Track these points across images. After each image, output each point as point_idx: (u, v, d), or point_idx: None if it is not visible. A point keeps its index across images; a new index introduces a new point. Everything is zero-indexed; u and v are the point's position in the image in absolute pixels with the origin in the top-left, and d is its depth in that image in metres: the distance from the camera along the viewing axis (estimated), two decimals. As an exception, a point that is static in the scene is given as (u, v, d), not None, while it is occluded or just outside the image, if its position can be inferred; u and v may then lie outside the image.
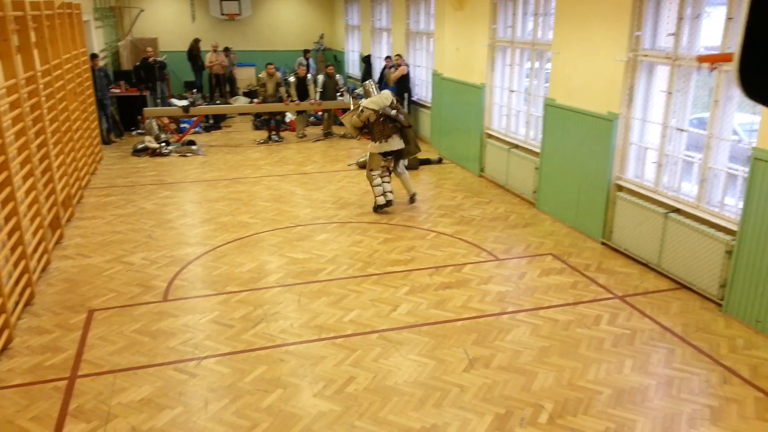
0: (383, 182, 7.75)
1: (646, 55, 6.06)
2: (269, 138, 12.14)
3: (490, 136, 9.27)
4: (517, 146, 8.56)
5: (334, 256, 6.39)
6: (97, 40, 12.69)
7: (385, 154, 7.76)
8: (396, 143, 7.72)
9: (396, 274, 5.93)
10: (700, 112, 7.64)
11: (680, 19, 5.64)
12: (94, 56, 11.14)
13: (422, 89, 12.38)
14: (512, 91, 8.74)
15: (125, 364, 4.39)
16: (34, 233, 5.75)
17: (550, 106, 7.52)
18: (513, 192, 8.57)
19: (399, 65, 11.75)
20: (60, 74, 7.62)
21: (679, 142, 5.90)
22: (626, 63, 6.19)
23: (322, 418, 3.85)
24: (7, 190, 5.00)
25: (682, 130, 5.84)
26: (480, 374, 4.32)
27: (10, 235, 5.03)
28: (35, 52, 6.41)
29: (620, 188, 6.57)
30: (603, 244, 6.72)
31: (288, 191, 8.74)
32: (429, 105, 11.63)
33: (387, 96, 7.77)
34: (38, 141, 6.27)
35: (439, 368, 4.39)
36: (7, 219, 5.02)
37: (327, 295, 5.50)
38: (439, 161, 10.36)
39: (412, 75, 12.16)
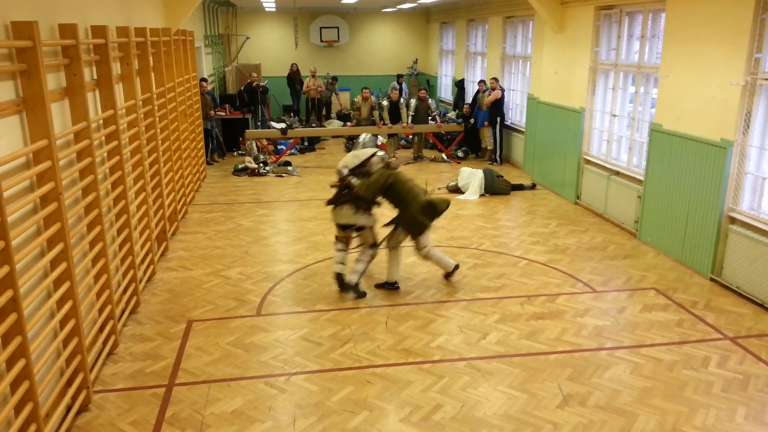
0: (337, 254, 6.12)
1: (766, 79, 5.62)
2: (361, 160, 12.32)
3: (589, 161, 8.92)
4: (618, 173, 8.18)
5: (422, 279, 6.33)
6: (207, 66, 13.50)
7: (341, 227, 6.09)
8: (345, 216, 5.97)
9: (485, 301, 5.78)
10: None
11: (808, 39, 5.20)
12: (203, 80, 11.85)
13: (516, 113, 12.19)
14: (614, 115, 8.39)
15: (219, 375, 4.53)
16: (143, 245, 6.12)
17: (656, 131, 7.13)
18: (612, 221, 8.17)
19: (494, 89, 11.64)
20: (172, 97, 8.15)
21: (804, 172, 5.40)
22: (743, 87, 5.77)
23: (408, 444, 3.77)
24: (122, 203, 5.36)
25: (808, 159, 5.34)
26: (575, 412, 4.08)
27: (121, 246, 5.37)
28: (152, 76, 6.89)
29: (733, 221, 6.08)
30: (712, 280, 6.23)
31: (378, 213, 8.78)
32: (523, 129, 11.40)
33: (360, 154, 6.27)
34: (151, 158, 6.71)
35: (530, 402, 4.19)
36: (119, 231, 5.37)
37: (414, 319, 5.44)
38: (533, 187, 10.09)
39: (506, 99, 12.00)
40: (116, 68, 5.71)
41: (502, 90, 11.74)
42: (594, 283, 6.21)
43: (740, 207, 6.05)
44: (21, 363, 3.19)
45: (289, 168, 11.55)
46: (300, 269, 6.65)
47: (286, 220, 8.51)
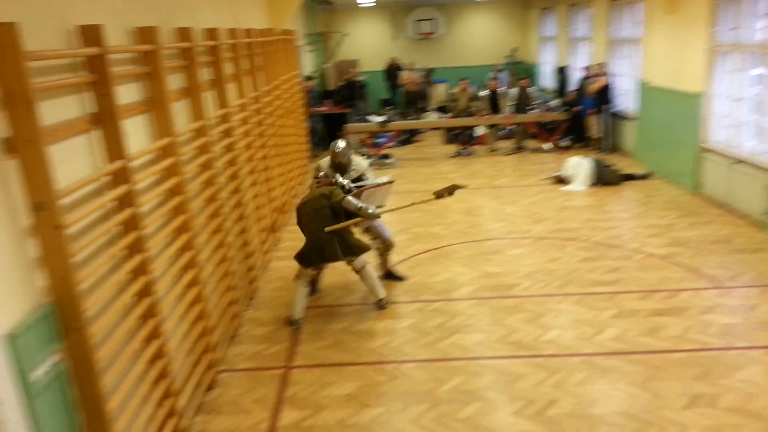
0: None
1: None
2: (459, 152, 12.23)
3: (708, 149, 8.29)
4: (741, 161, 7.54)
5: (529, 272, 6.16)
6: (308, 63, 13.90)
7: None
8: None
9: (599, 296, 5.53)
10: None
11: None
12: (308, 78, 12.22)
13: (626, 100, 11.56)
14: (737, 99, 7.74)
15: (332, 359, 4.65)
16: (258, 235, 6.40)
17: (789, 113, 6.50)
18: (737, 212, 7.55)
19: (600, 75, 11.10)
20: (278, 94, 8.44)
21: None
22: None
23: (524, 438, 3.68)
24: (238, 195, 5.63)
25: None
26: (704, 414, 3.81)
27: (239, 235, 5.64)
28: (259, 75, 7.17)
29: None
30: None
31: (479, 204, 8.68)
32: (633, 116, 10.80)
33: (359, 166, 5.91)
34: (261, 153, 6.99)
35: (653, 402, 3.96)
36: (237, 221, 5.64)
37: (523, 312, 5.30)
38: (646, 177, 9.49)
39: (613, 84, 11.40)
40: (227, 69, 5.98)
41: (609, 75, 11.16)
42: (720, 279, 5.77)
43: None
44: (157, 342, 3.43)
45: (389, 160, 11.65)
46: (404, 260, 6.69)
47: (387, 212, 8.56)
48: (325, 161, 5.91)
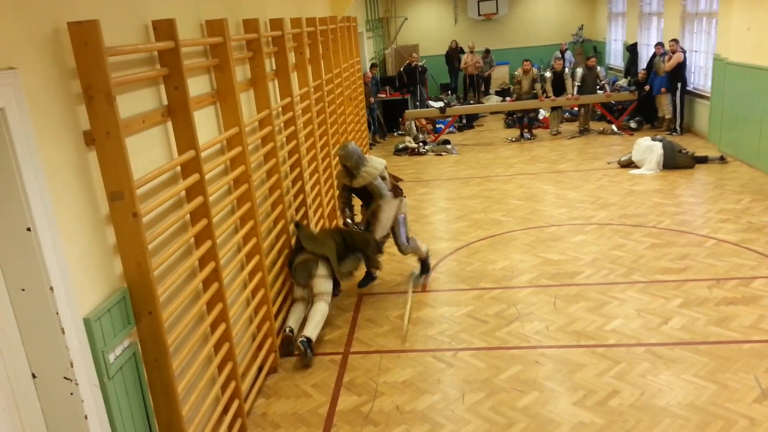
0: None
1: None
2: (521, 136, 12.00)
3: (791, 128, 7.79)
4: (829, 140, 7.05)
5: (592, 259, 6.02)
6: (368, 49, 13.96)
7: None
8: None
9: (666, 284, 5.34)
10: None
11: None
12: (373, 65, 12.29)
13: (700, 77, 10.98)
14: (824, 73, 7.22)
15: (389, 346, 4.73)
16: (317, 223, 6.54)
17: None
18: (821, 195, 7.08)
19: (674, 51, 10.57)
20: (339, 82, 8.54)
21: None
22: None
23: (583, 428, 3.64)
24: (299, 184, 5.77)
25: None
26: (777, 409, 3.65)
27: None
28: (322, 63, 7.27)
29: None
30: None
31: (541, 190, 8.52)
32: (708, 95, 10.25)
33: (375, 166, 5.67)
34: (322, 141, 7.12)
35: (721, 394, 3.82)
36: (297, 209, 5.79)
37: (585, 300, 5.20)
38: (722, 160, 9.00)
39: (687, 62, 10.86)
40: (291, 58, 6.11)
41: (684, 52, 10.62)
42: (799, 266, 5.46)
43: None
44: (222, 327, 3.60)
45: (448, 146, 11.58)
46: (462, 247, 6.67)
47: (447, 198, 8.57)
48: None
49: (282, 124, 5.50)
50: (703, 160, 8.99)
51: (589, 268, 5.83)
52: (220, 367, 3.62)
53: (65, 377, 2.41)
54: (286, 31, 5.61)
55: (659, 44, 11.33)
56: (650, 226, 6.74)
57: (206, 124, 3.90)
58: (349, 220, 5.68)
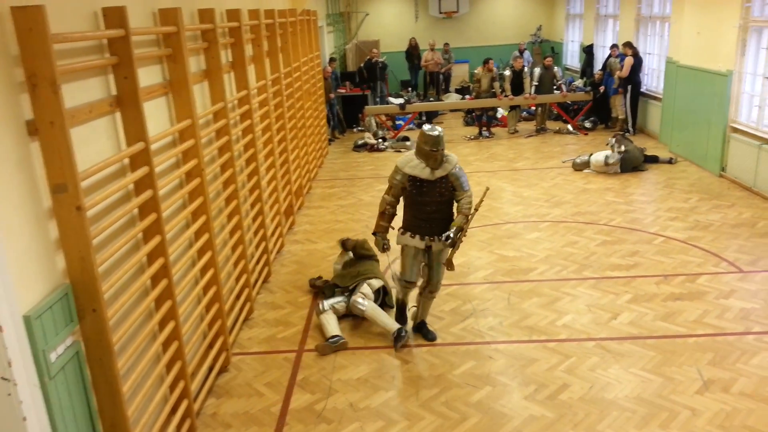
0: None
1: None
2: (480, 134, 12.12)
3: (736, 130, 8.09)
4: (770, 142, 7.35)
5: (546, 256, 6.12)
6: (328, 44, 13.85)
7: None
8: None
9: (616, 280, 5.48)
10: None
11: None
12: (332, 60, 12.18)
13: (653, 79, 11.30)
14: None
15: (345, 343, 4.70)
16: (273, 219, 6.46)
17: (819, 93, 6.30)
18: (762, 195, 7.38)
19: (629, 54, 10.81)
20: (298, 76, 8.45)
21: None
22: None
23: (534, 422, 3.70)
24: (254, 179, 5.68)
25: None
26: (717, 399, 3.79)
27: (254, 219, 5.71)
28: (280, 56, 7.17)
29: None
30: None
31: (498, 187, 8.62)
32: (660, 96, 10.56)
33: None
34: (279, 136, 7.02)
35: (666, 386, 3.94)
36: (252, 205, 5.70)
37: (538, 296, 5.29)
38: (671, 161, 9.25)
39: (641, 63, 11.12)
40: (248, 50, 6.00)
41: (635, 56, 10.88)
42: (741, 263, 5.67)
43: None
44: (171, 325, 3.51)
45: (408, 143, 11.60)
46: (421, 243, 6.68)
47: (407, 195, 8.57)
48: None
49: (238, 117, 5.40)
50: (654, 159, 9.24)
51: (542, 264, 5.93)
52: (169, 366, 3.54)
53: (3, 377, 2.31)
54: (244, 22, 5.51)
55: (614, 46, 11.60)
56: (602, 224, 6.90)
57: (157, 116, 3.79)
58: (386, 242, 4.65)
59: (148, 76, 3.63)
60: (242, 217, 5.07)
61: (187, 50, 3.91)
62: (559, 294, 5.30)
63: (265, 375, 4.35)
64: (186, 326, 3.77)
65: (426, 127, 4.45)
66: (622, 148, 8.75)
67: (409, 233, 4.55)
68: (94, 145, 3.05)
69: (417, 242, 4.53)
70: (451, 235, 4.44)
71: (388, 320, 4.76)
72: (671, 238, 6.35)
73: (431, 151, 4.37)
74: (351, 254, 5.72)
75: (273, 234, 6.43)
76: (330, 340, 4.61)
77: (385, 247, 4.65)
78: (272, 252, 6.27)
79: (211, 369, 4.20)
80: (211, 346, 4.25)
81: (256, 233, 5.73)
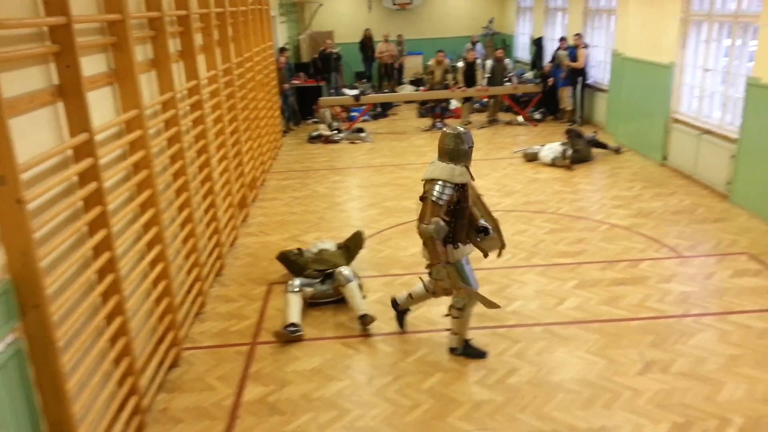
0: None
1: None
2: (433, 125, 12.23)
3: (677, 120, 8.42)
4: (709, 132, 7.68)
5: (497, 244, 6.25)
6: (282, 34, 13.70)
7: None
8: None
9: (563, 266, 5.66)
10: None
11: None
12: (282, 49, 12.04)
13: (599, 71, 11.62)
14: (707, 70, 7.84)
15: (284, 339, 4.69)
16: (225, 211, 6.39)
17: (754, 86, 6.61)
18: (701, 183, 7.72)
19: (578, 46, 11.08)
20: (250, 66, 8.34)
21: None
22: None
23: (483, 405, 3.80)
24: (206, 170, 5.60)
25: None
26: (657, 379, 3.97)
27: (206, 211, 5.63)
28: (231, 46, 7.07)
29: (841, 181, 5.60)
30: (815, 245, 5.80)
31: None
32: (606, 88, 10.88)
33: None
34: (231, 127, 6.93)
35: (609, 368, 4.11)
36: (204, 197, 5.62)
37: (489, 284, 5.40)
38: (618, 150, 9.54)
39: (588, 56, 11.42)
40: (198, 39, 5.90)
41: (586, 47, 11.15)
42: (680, 248, 5.93)
43: None
44: (119, 320, 3.45)
45: (362, 134, 11.63)
46: (374, 234, 6.74)
47: (360, 186, 8.62)
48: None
49: (188, 108, 5.31)
50: (603, 146, 9.48)
51: (493, 252, 6.04)
52: (117, 362, 3.47)
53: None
54: (193, 10, 5.41)
55: (563, 39, 11.87)
56: (550, 213, 7.09)
57: (102, 106, 3.70)
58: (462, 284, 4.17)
59: (92, 65, 3.54)
60: (193, 210, 5.00)
61: (133, 39, 3.82)
62: (509, 281, 5.43)
63: (217, 369, 4.32)
64: (134, 321, 3.71)
65: (449, 129, 4.17)
66: (569, 152, 8.94)
67: (460, 244, 4.19)
68: (35, 136, 2.96)
69: (469, 249, 4.31)
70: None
71: (361, 302, 4.87)
72: (615, 225, 6.59)
73: (469, 148, 4.12)
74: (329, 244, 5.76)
75: (226, 226, 6.36)
76: (288, 328, 4.62)
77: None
78: (225, 245, 6.21)
79: (161, 364, 4.14)
80: (161, 340, 4.19)
81: (208, 225, 5.66)
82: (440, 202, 3.97)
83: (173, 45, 5.09)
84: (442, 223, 3.97)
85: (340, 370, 4.24)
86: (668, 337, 4.43)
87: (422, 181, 4.14)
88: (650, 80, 8.96)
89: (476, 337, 4.55)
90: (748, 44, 7.11)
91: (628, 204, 7.23)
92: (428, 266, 4.13)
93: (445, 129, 4.20)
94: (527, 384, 3.99)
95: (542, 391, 3.92)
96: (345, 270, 5.09)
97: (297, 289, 4.98)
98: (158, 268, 4.15)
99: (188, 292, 4.88)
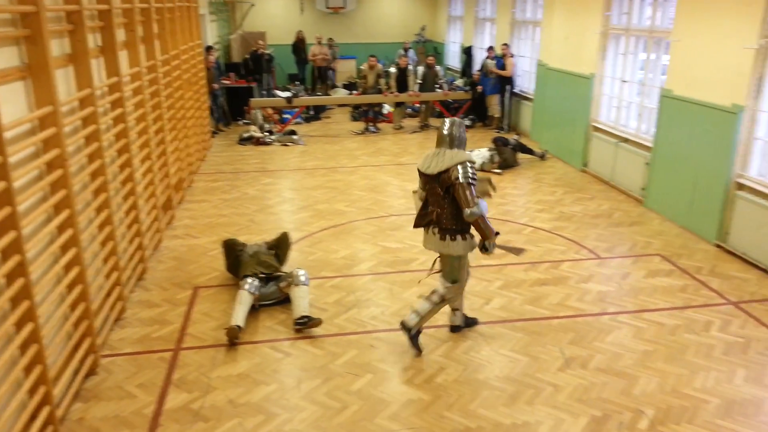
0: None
1: (778, 41, 5.51)
2: (366, 129, 12.29)
3: (597, 129, 8.84)
4: (626, 140, 8.11)
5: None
6: (211, 33, 13.38)
7: None
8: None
9: (489, 268, 5.80)
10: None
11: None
12: (209, 48, 11.75)
13: (525, 80, 12.03)
14: (624, 81, 8.27)
15: (225, 339, 4.59)
16: (149, 213, 6.16)
17: (666, 97, 7.03)
18: (619, 188, 8.13)
19: (505, 55, 11.43)
20: (177, 64, 8.10)
21: (815, 137, 5.33)
22: (757, 51, 5.66)
23: (411, 405, 3.84)
24: (127, 171, 5.39)
25: (818, 123, 5.26)
26: (576, 374, 4.13)
27: (127, 213, 5.41)
28: (156, 43, 6.84)
29: (741, 187, 6.03)
30: (717, 246, 6.21)
31: (383, 181, 8.80)
32: (532, 97, 11.27)
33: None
34: (156, 126, 6.70)
35: (532, 365, 4.24)
36: (125, 198, 5.40)
37: (419, 286, 5.46)
38: (543, 156, 9.89)
39: (515, 65, 11.81)
40: (120, 35, 5.68)
41: (513, 56, 11.53)
42: (599, 250, 6.22)
43: (749, 173, 5.99)
44: (29, 327, 3.25)
45: (295, 137, 11.52)
46: (305, 237, 6.69)
47: (292, 189, 8.53)
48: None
49: (108, 105, 5.09)
50: (530, 151, 9.81)
51: (423, 255, 6.12)
52: (27, 371, 3.28)
53: None
54: (115, 5, 5.20)
55: (490, 48, 12.21)
56: (479, 216, 7.26)
57: (13, 101, 3.49)
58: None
59: (2, 58, 3.34)
60: (113, 212, 4.79)
61: (48, 32, 3.63)
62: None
63: (137, 376, 4.15)
64: (47, 328, 3.51)
65: (452, 120, 4.37)
66: (497, 158, 9.22)
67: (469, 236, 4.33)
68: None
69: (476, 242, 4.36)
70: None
71: (307, 305, 4.84)
72: (539, 228, 6.83)
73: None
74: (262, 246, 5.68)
75: (149, 229, 6.13)
76: (231, 327, 4.53)
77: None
78: (148, 248, 5.98)
79: (77, 372, 3.94)
80: (77, 348, 3.98)
81: (129, 228, 5.44)
82: (472, 181, 4.08)
83: (93, 40, 4.87)
84: (483, 201, 4.13)
85: (268, 375, 4.17)
86: (587, 335, 4.63)
87: (434, 173, 4.18)
88: (572, 90, 9.36)
89: (405, 338, 4.58)
90: (662, 58, 7.56)
91: (551, 208, 7.51)
92: (481, 247, 4.28)
93: (449, 119, 4.39)
94: (454, 383, 4.06)
95: (468, 389, 4.00)
96: (302, 271, 5.09)
97: (254, 291, 4.91)
98: (73, 272, 3.95)
99: (107, 297, 4.67)
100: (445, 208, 4.21)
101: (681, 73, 6.78)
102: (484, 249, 4.28)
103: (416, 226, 4.47)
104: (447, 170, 4.11)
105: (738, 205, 5.98)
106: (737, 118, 5.89)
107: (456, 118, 4.41)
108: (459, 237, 4.26)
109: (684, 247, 6.26)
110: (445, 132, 4.27)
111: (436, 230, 4.32)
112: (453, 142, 4.25)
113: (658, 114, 7.21)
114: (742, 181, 6.00)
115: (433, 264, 4.55)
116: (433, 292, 4.45)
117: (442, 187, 4.16)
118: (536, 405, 3.83)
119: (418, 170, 4.37)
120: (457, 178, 4.07)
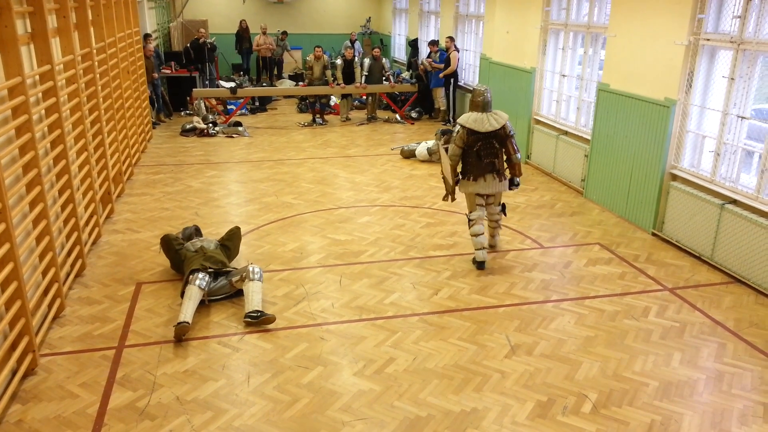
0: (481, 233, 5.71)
1: (708, 39, 5.78)
2: (313, 121, 12.19)
3: (539, 122, 9.07)
4: (566, 133, 8.35)
5: (375, 238, 6.37)
6: (150, 21, 12.93)
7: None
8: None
9: (438, 259, 5.88)
10: (762, 103, 7.28)
11: (748, 0, 5.35)
12: (147, 36, 11.35)
13: (469, 74, 12.20)
14: (564, 75, 8.51)
15: (171, 335, 4.48)
16: (86, 207, 5.92)
17: (603, 91, 7.28)
18: (560, 180, 8.38)
19: (449, 49, 11.55)
20: (114, 53, 7.79)
21: (740, 130, 5.63)
22: (687, 47, 5.93)
23: (362, 396, 3.85)
24: (62, 163, 5.15)
25: (743, 117, 5.56)
26: (522, 361, 4.25)
27: (63, 207, 5.18)
28: (91, 30, 6.55)
29: (674, 177, 6.33)
30: (654, 235, 6.50)
31: (331, 174, 8.76)
32: (475, 90, 11.42)
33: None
34: (92, 117, 6.44)
35: (480, 353, 4.33)
36: (61, 192, 5.17)
37: (368, 277, 5.49)
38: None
39: (459, 59, 11.96)
40: (52, 21, 5.41)
41: (458, 50, 11.66)
42: (542, 240, 6.40)
43: (681, 164, 6.29)
44: (-41, 327, 3.08)
45: (240, 128, 11.31)
46: (253, 230, 6.59)
47: (238, 182, 8.38)
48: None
49: (40, 95, 4.86)
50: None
51: (372, 246, 6.16)
52: (-43, 374, 3.10)
53: None
54: (44, -12, 4.94)
55: (432, 42, 12.29)
56: (426, 207, 7.34)
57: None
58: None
59: None
60: (48, 206, 4.57)
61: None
62: (387, 274, 5.55)
63: (79, 375, 4.00)
64: (-22, 328, 3.33)
65: (486, 87, 5.63)
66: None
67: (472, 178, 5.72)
68: None
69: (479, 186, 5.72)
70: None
71: (260, 300, 4.80)
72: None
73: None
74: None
75: (87, 223, 5.90)
76: (180, 324, 4.41)
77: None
78: (87, 243, 5.76)
79: (14, 372, 3.76)
80: (13, 347, 3.80)
81: (66, 222, 5.22)
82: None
83: (22, 26, 4.62)
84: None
85: (216, 370, 4.10)
86: (531, 322, 4.76)
87: (492, 131, 5.47)
88: (514, 84, 9.56)
89: (355, 330, 4.61)
90: (599, 53, 7.81)
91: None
92: (517, 184, 5.86)
93: (481, 86, 5.63)
94: (404, 372, 4.10)
95: (418, 378, 4.05)
96: (256, 268, 5.01)
97: (204, 286, 4.81)
98: (7, 268, 3.75)
99: (44, 294, 4.47)
100: (500, 156, 5.58)
101: (617, 67, 7.03)
102: (518, 184, 5.82)
103: (469, 177, 5.69)
104: (503, 126, 5.48)
105: (672, 195, 6.26)
106: (670, 112, 6.16)
107: (484, 85, 5.68)
108: (505, 178, 5.69)
109: (622, 236, 6.52)
110: (488, 97, 5.57)
111: (494, 175, 5.60)
112: (490, 104, 5.59)
113: (595, 107, 7.46)
114: (675, 172, 6.29)
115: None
116: (495, 226, 6.03)
117: (498, 141, 5.50)
118: (484, 392, 3.92)
119: (469, 130, 5.47)
120: (511, 131, 5.56)
